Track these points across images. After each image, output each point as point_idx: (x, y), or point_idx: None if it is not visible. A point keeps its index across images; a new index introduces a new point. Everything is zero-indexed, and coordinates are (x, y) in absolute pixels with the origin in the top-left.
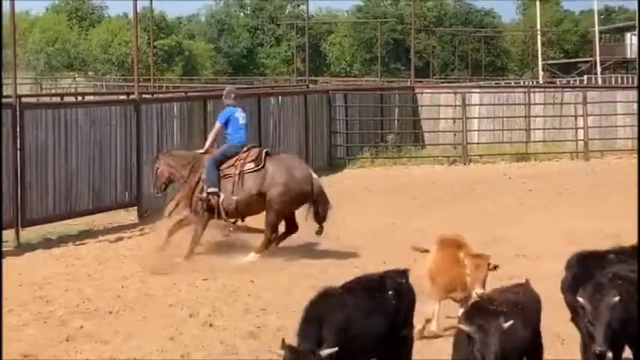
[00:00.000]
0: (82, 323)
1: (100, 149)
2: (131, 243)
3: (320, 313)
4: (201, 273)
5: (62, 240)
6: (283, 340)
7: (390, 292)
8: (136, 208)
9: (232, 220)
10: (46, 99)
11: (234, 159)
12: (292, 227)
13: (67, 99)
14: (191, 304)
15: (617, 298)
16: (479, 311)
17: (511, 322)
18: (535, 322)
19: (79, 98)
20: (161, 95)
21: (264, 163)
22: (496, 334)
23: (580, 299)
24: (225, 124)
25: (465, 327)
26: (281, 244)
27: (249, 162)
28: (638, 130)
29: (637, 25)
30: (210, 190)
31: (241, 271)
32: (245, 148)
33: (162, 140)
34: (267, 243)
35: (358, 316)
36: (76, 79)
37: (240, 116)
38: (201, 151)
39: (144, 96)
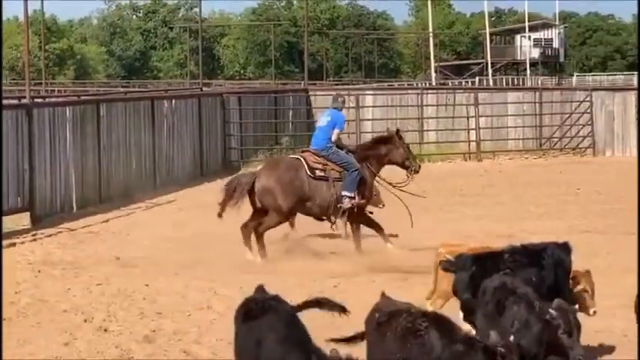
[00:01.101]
0: None
1: None
2: (24, 249)
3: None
4: (95, 278)
5: None
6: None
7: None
8: (28, 213)
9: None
10: None
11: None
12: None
13: None
14: (86, 310)
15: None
16: None
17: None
18: None
19: None
20: (53, 99)
21: None
22: None
23: (552, 312)
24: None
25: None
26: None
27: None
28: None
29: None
30: None
31: (135, 275)
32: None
33: (54, 144)
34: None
35: None
36: None
37: (322, 119)
38: None
39: (36, 100)
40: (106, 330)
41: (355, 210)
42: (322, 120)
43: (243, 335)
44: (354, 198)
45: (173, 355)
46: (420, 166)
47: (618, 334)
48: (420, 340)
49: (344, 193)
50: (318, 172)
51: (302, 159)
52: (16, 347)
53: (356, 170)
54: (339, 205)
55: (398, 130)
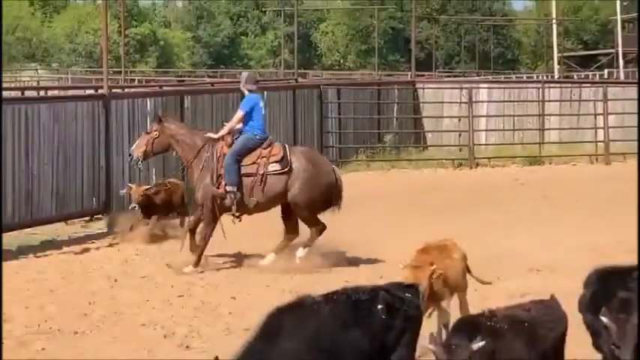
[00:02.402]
0: (43, 345)
1: (64, 149)
2: (99, 255)
3: (280, 324)
4: (176, 288)
5: (22, 251)
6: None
7: (380, 307)
8: (103, 215)
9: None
10: (5, 94)
11: (256, 156)
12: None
13: (28, 93)
14: (165, 324)
15: None
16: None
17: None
18: (547, 344)
19: (42, 93)
20: (133, 90)
21: (290, 163)
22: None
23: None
24: (249, 113)
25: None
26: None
27: (273, 162)
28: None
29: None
30: (230, 189)
31: (221, 286)
32: (265, 144)
33: (133, 140)
34: (316, 236)
35: (332, 327)
36: (39, 71)
37: (263, 106)
38: (215, 135)
39: (114, 90)
40: (187, 347)
41: None
42: (264, 107)
43: None
44: None
45: None
46: None
47: None
48: None
49: None
50: None
51: None
52: None
53: None
54: None
55: None
